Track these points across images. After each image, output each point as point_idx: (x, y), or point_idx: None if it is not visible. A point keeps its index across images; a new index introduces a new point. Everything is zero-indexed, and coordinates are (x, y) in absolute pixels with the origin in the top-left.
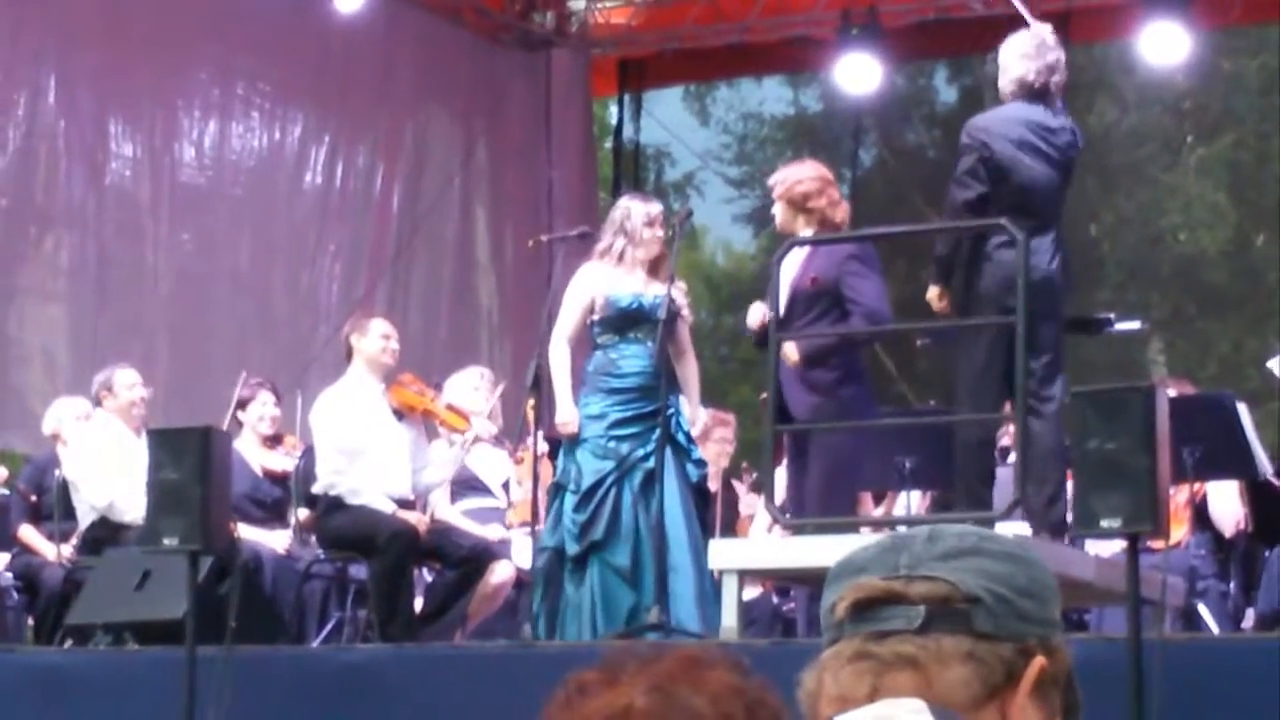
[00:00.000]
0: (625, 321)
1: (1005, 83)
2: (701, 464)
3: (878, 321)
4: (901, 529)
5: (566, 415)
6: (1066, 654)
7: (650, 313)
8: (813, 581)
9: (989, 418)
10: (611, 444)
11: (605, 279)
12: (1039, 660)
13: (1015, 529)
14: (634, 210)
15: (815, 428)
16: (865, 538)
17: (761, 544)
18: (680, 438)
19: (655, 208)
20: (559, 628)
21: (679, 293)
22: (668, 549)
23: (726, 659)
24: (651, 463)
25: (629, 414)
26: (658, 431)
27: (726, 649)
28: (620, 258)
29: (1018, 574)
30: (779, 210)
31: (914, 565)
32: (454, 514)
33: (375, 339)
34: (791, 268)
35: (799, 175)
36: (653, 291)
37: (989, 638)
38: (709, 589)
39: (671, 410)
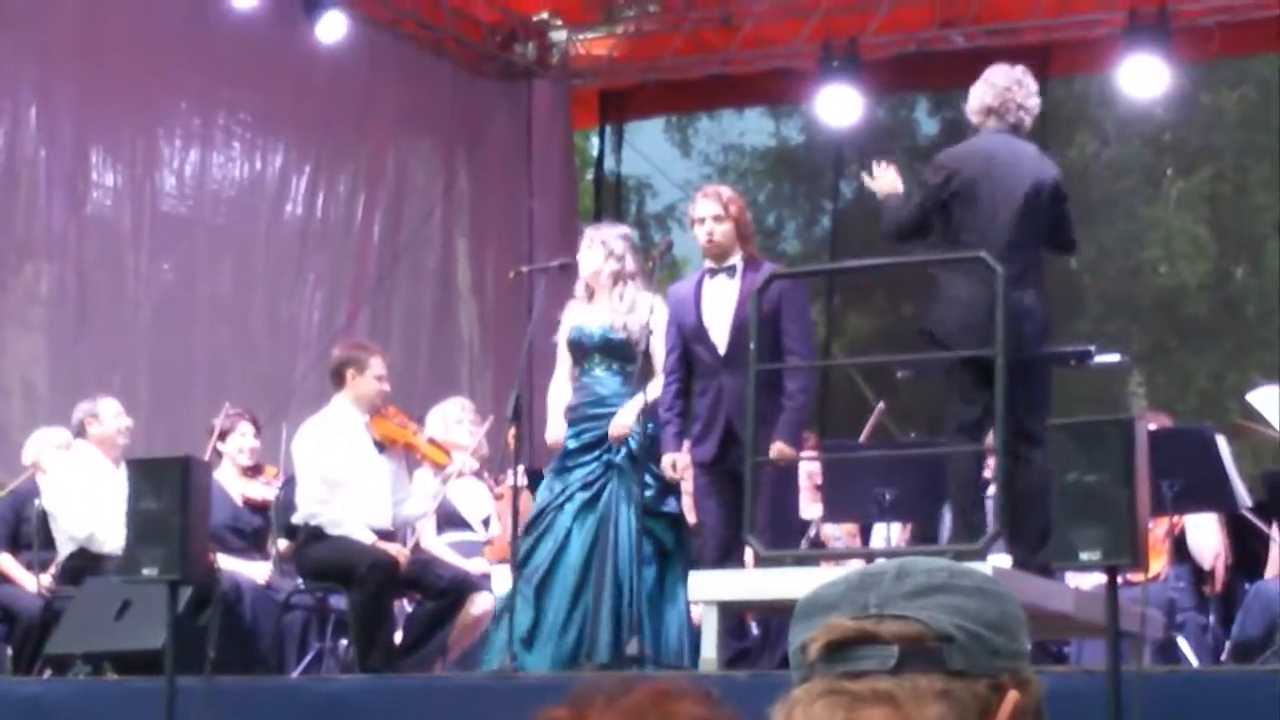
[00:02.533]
0: (578, 353)
1: (973, 111)
2: (649, 486)
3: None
4: (879, 561)
5: (552, 434)
6: (1037, 684)
7: (596, 343)
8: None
9: (978, 449)
10: (561, 474)
11: (570, 313)
12: (1013, 695)
13: (996, 560)
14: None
15: (796, 460)
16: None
17: (741, 575)
18: (621, 460)
19: (586, 233)
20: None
21: (628, 318)
22: (604, 576)
23: (695, 690)
24: (590, 491)
25: (577, 444)
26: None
27: (699, 680)
28: (584, 290)
29: (988, 609)
30: (725, 230)
31: (884, 604)
32: (439, 545)
33: (371, 380)
34: (727, 295)
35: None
36: (598, 321)
37: (963, 675)
38: (667, 614)
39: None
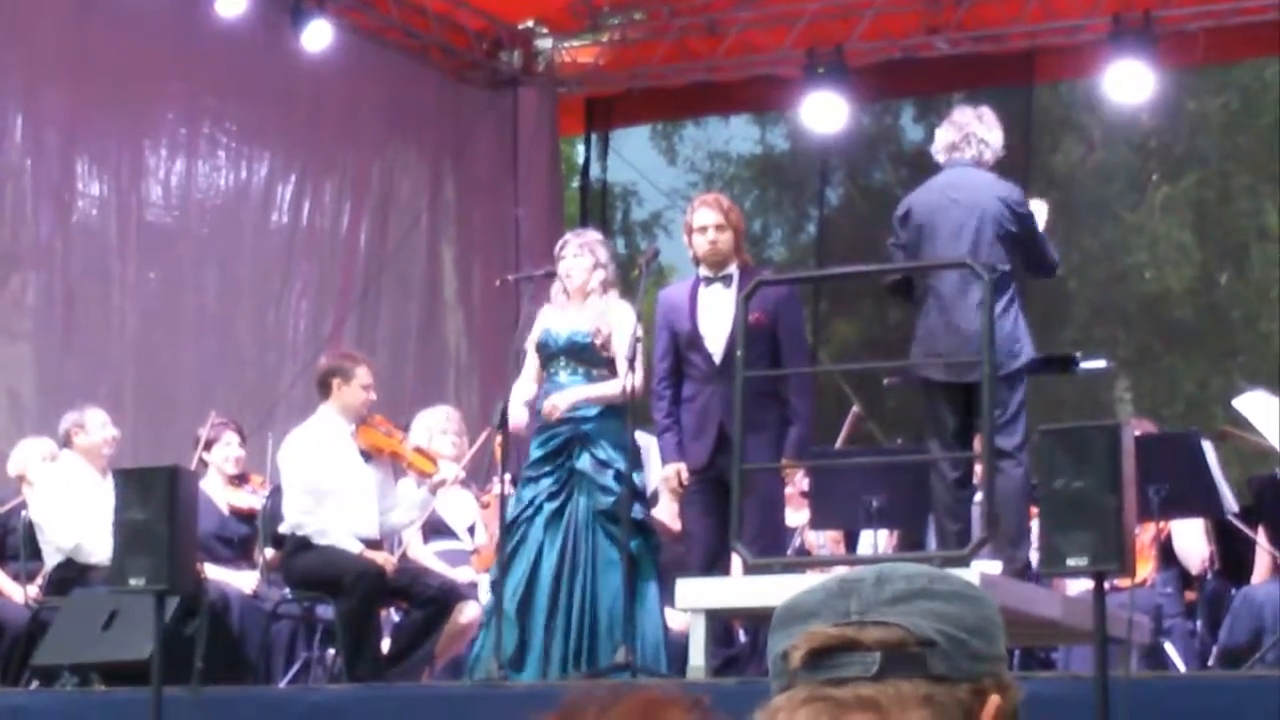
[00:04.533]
0: (543, 356)
1: (938, 151)
2: (609, 491)
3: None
4: (857, 569)
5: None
6: (1016, 689)
7: (561, 346)
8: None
9: (962, 456)
10: (527, 486)
11: (544, 316)
12: (994, 699)
13: (985, 567)
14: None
15: (780, 467)
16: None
17: (728, 583)
18: (585, 466)
19: (564, 239)
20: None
21: (603, 323)
22: (575, 589)
23: (685, 698)
24: (556, 502)
25: (543, 452)
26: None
27: (688, 688)
28: (562, 293)
29: (967, 614)
30: (727, 238)
31: (864, 610)
32: (426, 554)
33: (357, 390)
34: (724, 304)
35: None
36: (569, 325)
37: (945, 680)
38: (641, 621)
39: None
